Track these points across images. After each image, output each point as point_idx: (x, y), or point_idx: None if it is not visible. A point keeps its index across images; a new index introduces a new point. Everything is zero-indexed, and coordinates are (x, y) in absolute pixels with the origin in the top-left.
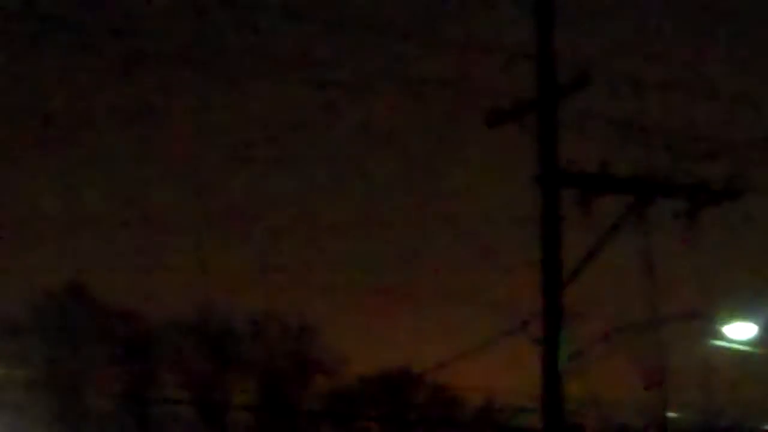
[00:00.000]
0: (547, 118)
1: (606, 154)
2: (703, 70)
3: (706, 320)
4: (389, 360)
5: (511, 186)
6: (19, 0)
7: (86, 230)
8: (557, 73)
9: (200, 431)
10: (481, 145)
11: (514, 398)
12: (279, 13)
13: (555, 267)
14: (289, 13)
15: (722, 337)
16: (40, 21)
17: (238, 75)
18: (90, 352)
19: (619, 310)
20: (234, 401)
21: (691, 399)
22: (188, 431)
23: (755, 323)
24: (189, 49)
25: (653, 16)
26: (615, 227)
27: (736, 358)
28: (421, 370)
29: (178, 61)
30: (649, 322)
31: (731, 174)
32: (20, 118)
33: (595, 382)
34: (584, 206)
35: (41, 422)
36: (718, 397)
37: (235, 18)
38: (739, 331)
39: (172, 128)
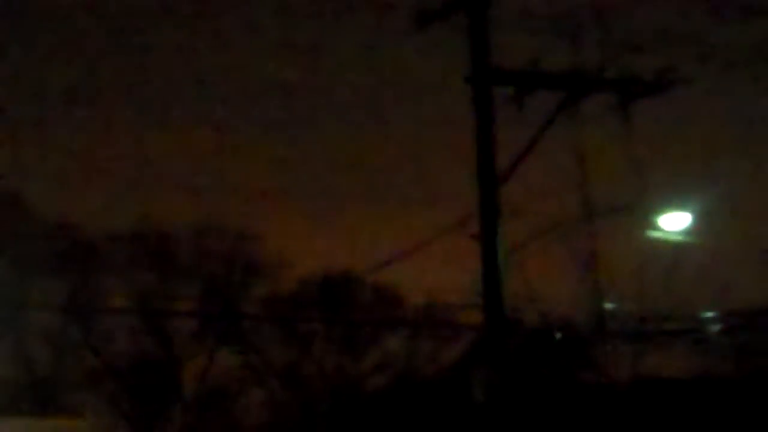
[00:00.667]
0: (477, 16)
1: (537, 51)
2: None
3: (641, 212)
4: (330, 262)
5: (445, 87)
6: None
7: (22, 140)
8: None
9: (144, 339)
10: (413, 47)
11: (455, 295)
12: None
13: (490, 165)
14: None
15: (657, 228)
16: None
17: None
18: (28, 264)
19: (554, 205)
20: (176, 308)
21: (626, 290)
22: (132, 340)
23: (689, 212)
24: None
25: None
26: (548, 123)
27: (671, 248)
28: (362, 270)
29: None
30: (583, 216)
31: (662, 67)
32: None
33: (532, 278)
34: (517, 104)
35: None
36: (653, 287)
37: None
38: (674, 222)
39: None
